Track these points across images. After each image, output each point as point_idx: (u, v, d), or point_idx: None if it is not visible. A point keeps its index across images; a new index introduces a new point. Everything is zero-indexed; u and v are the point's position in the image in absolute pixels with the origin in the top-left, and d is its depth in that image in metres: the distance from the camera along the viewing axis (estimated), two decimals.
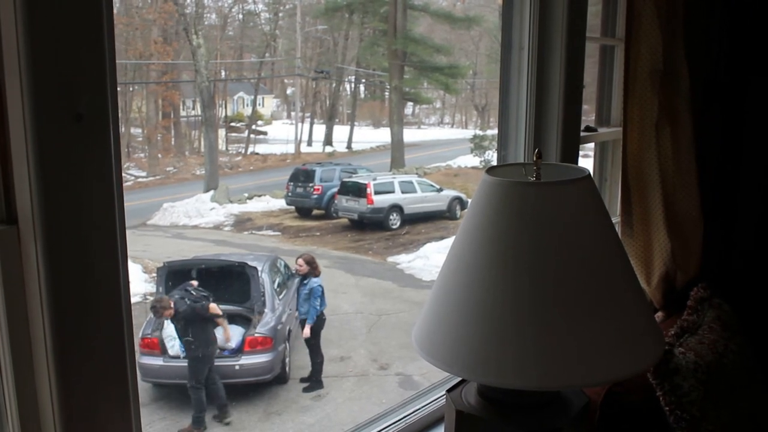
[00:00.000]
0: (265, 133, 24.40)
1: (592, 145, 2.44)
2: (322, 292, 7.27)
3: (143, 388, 6.67)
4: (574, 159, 2.09)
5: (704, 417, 1.69)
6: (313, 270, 7.30)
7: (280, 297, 7.62)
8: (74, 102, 0.93)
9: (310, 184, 14.23)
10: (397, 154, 19.27)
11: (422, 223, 13.45)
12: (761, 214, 2.82)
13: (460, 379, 1.34)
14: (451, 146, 21.91)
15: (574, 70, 1.99)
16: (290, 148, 22.18)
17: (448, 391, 1.33)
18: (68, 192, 0.95)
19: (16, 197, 0.94)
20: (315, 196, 14.13)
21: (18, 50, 0.88)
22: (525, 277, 1.12)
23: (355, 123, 25.16)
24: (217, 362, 6.68)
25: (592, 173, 2.46)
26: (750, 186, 2.81)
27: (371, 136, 24.52)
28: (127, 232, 1.05)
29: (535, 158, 1.24)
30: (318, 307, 7.17)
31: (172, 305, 6.51)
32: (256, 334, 6.90)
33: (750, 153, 2.78)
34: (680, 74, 2.21)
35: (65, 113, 0.93)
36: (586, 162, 2.36)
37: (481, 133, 21.12)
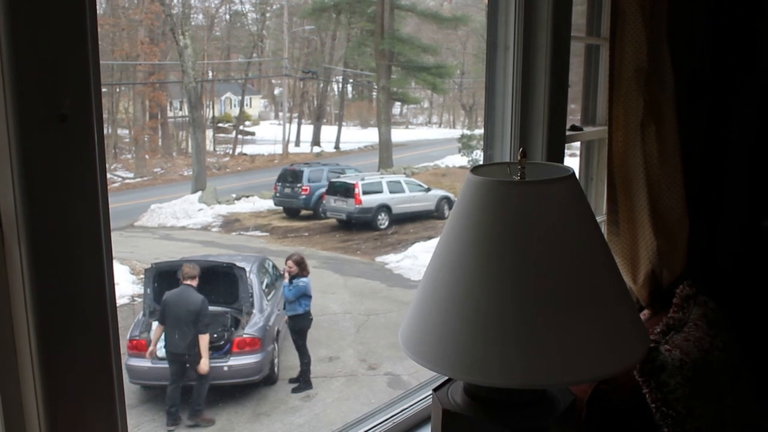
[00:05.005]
0: (252, 134, 24.37)
1: (578, 144, 2.45)
2: (309, 290, 7.28)
3: (132, 390, 6.64)
4: (560, 158, 2.09)
5: (690, 414, 1.70)
6: (302, 271, 7.29)
7: (269, 298, 7.60)
8: (58, 103, 0.93)
9: (298, 185, 14.21)
10: (384, 154, 19.28)
11: (410, 222, 13.47)
12: (746, 212, 2.84)
13: (446, 378, 1.34)
14: (438, 146, 21.96)
15: (559, 70, 2.00)
16: (278, 149, 22.16)
17: (435, 390, 1.33)
18: (52, 193, 0.94)
19: (0, 199, 0.94)
20: (303, 197, 14.12)
21: (0, 51, 0.88)
22: (509, 276, 1.13)
23: (343, 123, 25.18)
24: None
25: (578, 172, 2.48)
26: (735, 184, 2.82)
27: (359, 136, 24.54)
28: (115, 233, 1.05)
29: (519, 157, 1.24)
30: (305, 306, 7.18)
31: (197, 274, 6.52)
32: (244, 335, 6.87)
33: (735, 151, 2.80)
34: (665, 73, 2.22)
35: (48, 114, 0.92)
36: (573, 161, 2.37)
37: (468, 132, 21.17)
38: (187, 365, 6.40)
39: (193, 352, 6.36)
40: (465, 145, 19.83)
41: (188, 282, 6.47)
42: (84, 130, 0.97)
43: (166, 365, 6.49)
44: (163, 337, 6.50)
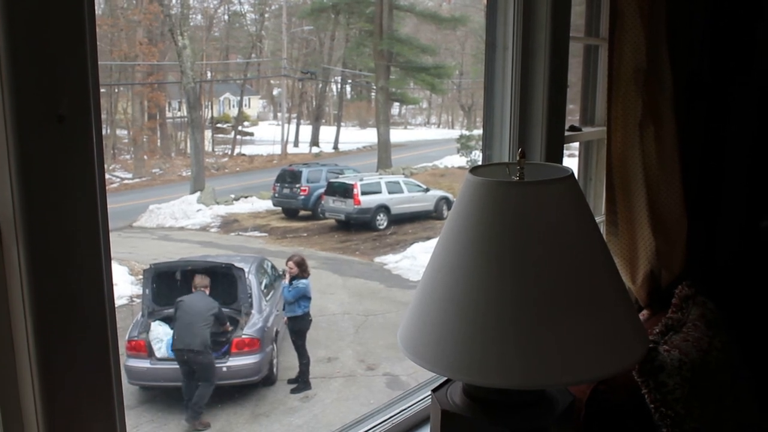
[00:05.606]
0: (251, 134, 24.34)
1: (577, 144, 2.45)
2: (309, 291, 7.29)
3: (130, 391, 6.63)
4: (559, 158, 2.09)
5: (689, 414, 1.69)
6: (303, 272, 7.28)
7: (267, 298, 7.60)
8: (56, 103, 0.93)
9: (297, 185, 14.20)
10: (383, 154, 19.27)
11: (409, 223, 13.46)
12: (745, 212, 2.84)
13: (445, 378, 1.34)
14: (437, 146, 21.94)
15: (558, 70, 2.00)
16: (277, 149, 22.13)
17: (434, 390, 1.33)
18: (50, 193, 0.94)
19: None
20: (302, 197, 14.10)
21: None
22: (508, 277, 1.13)
23: (342, 123, 25.17)
24: None
25: (576, 173, 2.47)
26: (733, 184, 2.83)
27: (358, 137, 24.53)
28: (114, 234, 1.05)
29: (518, 158, 1.24)
30: (304, 308, 7.17)
31: (208, 284, 6.67)
32: (243, 336, 6.87)
33: (733, 151, 2.80)
34: (664, 73, 2.22)
35: (47, 114, 0.92)
36: (572, 161, 2.37)
37: (467, 133, 21.14)
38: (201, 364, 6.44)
39: (207, 352, 6.42)
40: (464, 145, 19.82)
41: (201, 290, 6.63)
42: (82, 131, 0.97)
43: (165, 366, 6.50)
44: (169, 337, 6.54)
